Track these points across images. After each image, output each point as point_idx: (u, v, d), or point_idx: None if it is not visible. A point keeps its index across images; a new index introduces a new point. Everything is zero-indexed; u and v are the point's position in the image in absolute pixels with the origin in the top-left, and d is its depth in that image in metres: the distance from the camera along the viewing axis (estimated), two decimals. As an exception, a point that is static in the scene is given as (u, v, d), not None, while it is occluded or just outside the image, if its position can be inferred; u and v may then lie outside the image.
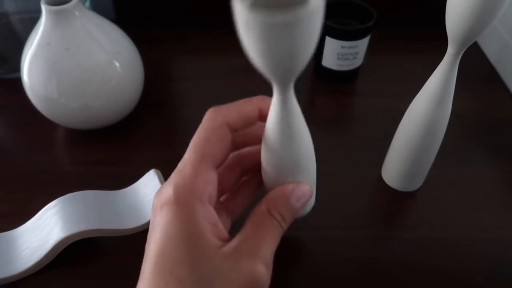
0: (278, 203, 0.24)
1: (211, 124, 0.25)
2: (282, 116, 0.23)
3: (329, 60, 0.49)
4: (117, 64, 0.40)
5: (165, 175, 0.39)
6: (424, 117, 0.32)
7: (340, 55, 0.47)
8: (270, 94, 0.30)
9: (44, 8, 0.36)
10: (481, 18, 0.25)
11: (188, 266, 0.21)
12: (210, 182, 0.24)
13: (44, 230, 0.33)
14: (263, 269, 0.22)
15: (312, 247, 0.36)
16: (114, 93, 0.41)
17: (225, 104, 0.26)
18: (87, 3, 0.54)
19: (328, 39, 0.47)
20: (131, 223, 0.35)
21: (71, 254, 0.33)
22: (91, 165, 0.42)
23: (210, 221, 0.22)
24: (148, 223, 0.35)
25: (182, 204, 0.22)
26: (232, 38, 0.59)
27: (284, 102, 0.22)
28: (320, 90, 0.52)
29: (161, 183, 0.37)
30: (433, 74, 0.31)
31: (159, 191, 0.24)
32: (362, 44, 0.47)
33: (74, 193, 0.35)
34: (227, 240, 0.23)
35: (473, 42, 0.28)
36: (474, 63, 0.56)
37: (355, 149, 0.44)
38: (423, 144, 0.34)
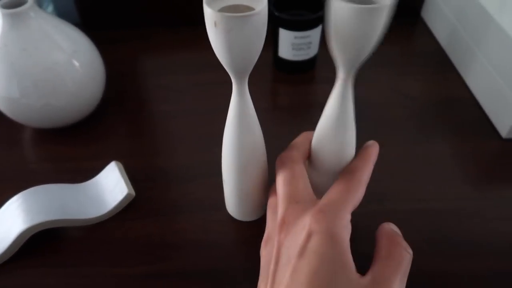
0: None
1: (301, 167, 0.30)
2: (239, 107, 0.28)
3: (285, 51, 0.51)
4: (76, 62, 0.42)
5: (129, 167, 0.41)
6: (330, 143, 0.31)
7: (294, 45, 0.49)
8: (228, 86, 0.33)
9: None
10: (360, 47, 0.25)
11: None
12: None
13: (7, 223, 0.34)
14: None
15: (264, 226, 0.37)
16: (75, 91, 0.42)
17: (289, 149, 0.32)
18: (50, 8, 0.55)
19: (281, 31, 0.49)
20: (92, 213, 0.36)
21: (36, 244, 0.35)
22: (58, 161, 0.44)
23: (349, 250, 0.25)
24: (109, 213, 0.37)
25: (335, 234, 0.25)
26: (193, 35, 0.61)
27: (240, 95, 0.28)
28: (280, 81, 0.54)
29: (121, 174, 0.39)
30: (328, 100, 0.30)
31: (301, 213, 0.27)
32: (315, 34, 0.49)
33: (36, 186, 0.37)
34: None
35: (359, 66, 0.27)
36: (426, 47, 0.58)
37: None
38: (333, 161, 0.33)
